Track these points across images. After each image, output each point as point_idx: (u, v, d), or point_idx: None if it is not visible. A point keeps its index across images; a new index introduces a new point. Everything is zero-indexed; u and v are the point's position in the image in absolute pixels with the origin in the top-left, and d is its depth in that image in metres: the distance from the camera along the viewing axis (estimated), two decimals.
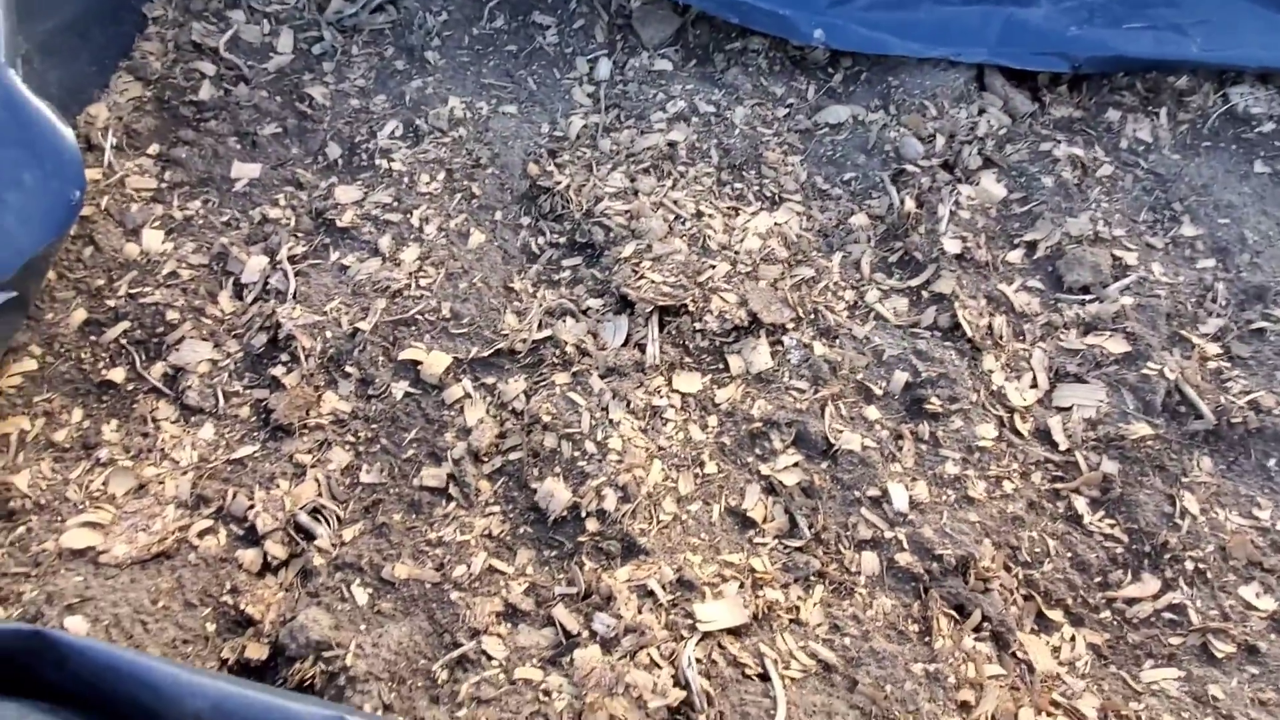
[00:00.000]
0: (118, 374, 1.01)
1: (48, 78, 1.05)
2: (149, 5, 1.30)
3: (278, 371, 0.99)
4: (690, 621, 0.78)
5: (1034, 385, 0.97)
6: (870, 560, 0.86)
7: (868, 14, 1.19)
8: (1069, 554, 0.88)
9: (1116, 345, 0.97)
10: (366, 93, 1.24)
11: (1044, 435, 0.94)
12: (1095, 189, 1.10)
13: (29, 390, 1.00)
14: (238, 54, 1.27)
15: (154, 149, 1.18)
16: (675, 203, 1.08)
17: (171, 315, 1.03)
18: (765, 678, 0.76)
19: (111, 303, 1.05)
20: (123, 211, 1.11)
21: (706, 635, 0.78)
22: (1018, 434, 0.94)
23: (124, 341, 1.03)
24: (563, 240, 1.08)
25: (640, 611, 0.79)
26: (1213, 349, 0.98)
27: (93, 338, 1.03)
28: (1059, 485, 0.92)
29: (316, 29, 1.30)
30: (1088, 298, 1.02)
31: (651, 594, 0.80)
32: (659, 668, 0.75)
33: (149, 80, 1.24)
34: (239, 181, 1.16)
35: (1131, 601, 0.86)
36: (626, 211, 1.07)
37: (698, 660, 0.76)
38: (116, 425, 0.99)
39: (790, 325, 1.00)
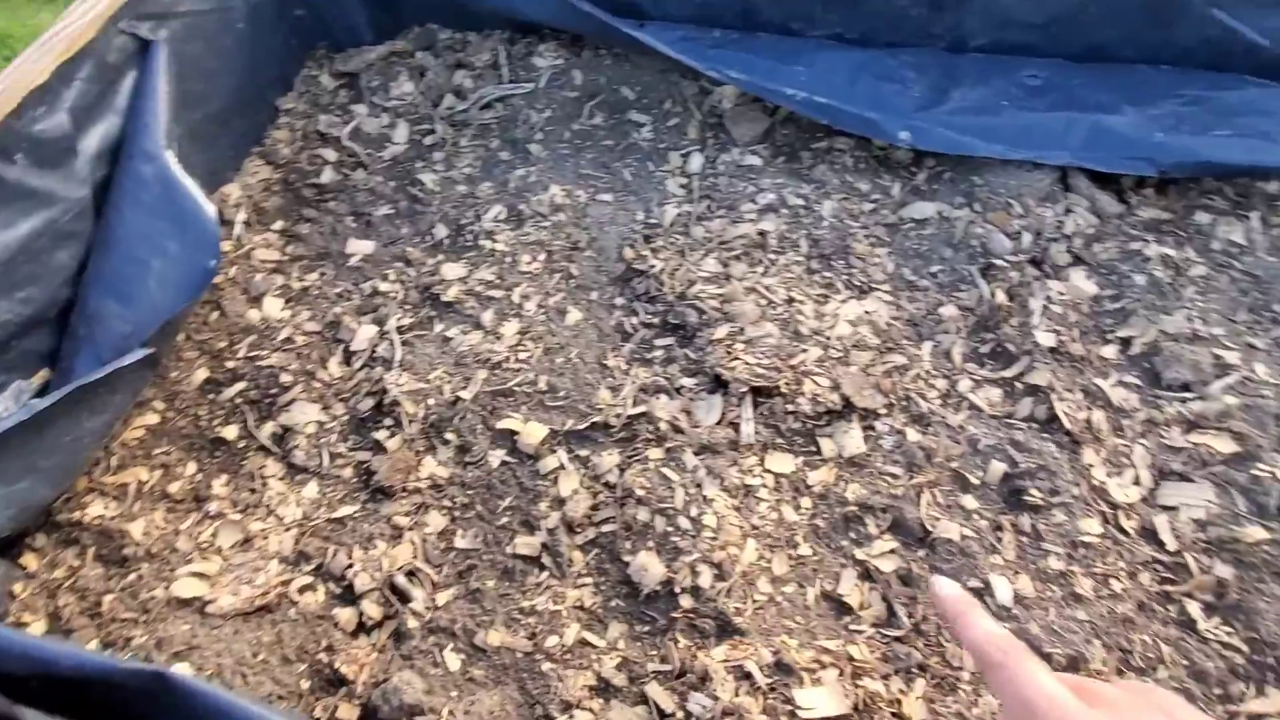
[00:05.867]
0: (230, 431, 1.06)
1: (192, 160, 1.15)
2: (282, 99, 1.43)
3: (381, 435, 1.03)
4: (790, 707, 0.76)
5: (1136, 482, 0.95)
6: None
7: (952, 118, 1.24)
8: (1185, 661, 0.84)
9: (1224, 445, 0.95)
10: (473, 180, 1.32)
11: (1150, 534, 0.91)
12: (1189, 288, 1.10)
13: (149, 443, 1.06)
14: (358, 143, 1.38)
15: (278, 225, 1.28)
16: (767, 288, 1.12)
17: (285, 378, 1.09)
18: None
19: (231, 364, 1.11)
20: (248, 280, 1.20)
21: None
22: (1123, 531, 0.91)
23: (239, 401, 1.08)
24: (656, 321, 1.12)
25: (738, 694, 0.78)
26: None
27: (211, 396, 1.09)
28: (1170, 588, 0.88)
29: (430, 122, 1.41)
30: (1189, 395, 1.00)
31: (749, 676, 0.79)
32: None
33: (277, 164, 1.35)
34: (353, 257, 1.24)
35: (1256, 718, 0.81)
36: (719, 295, 1.11)
37: None
38: (227, 480, 1.03)
39: (883, 410, 1.00)
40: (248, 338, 1.14)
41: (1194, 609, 0.87)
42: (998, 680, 0.47)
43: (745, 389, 1.00)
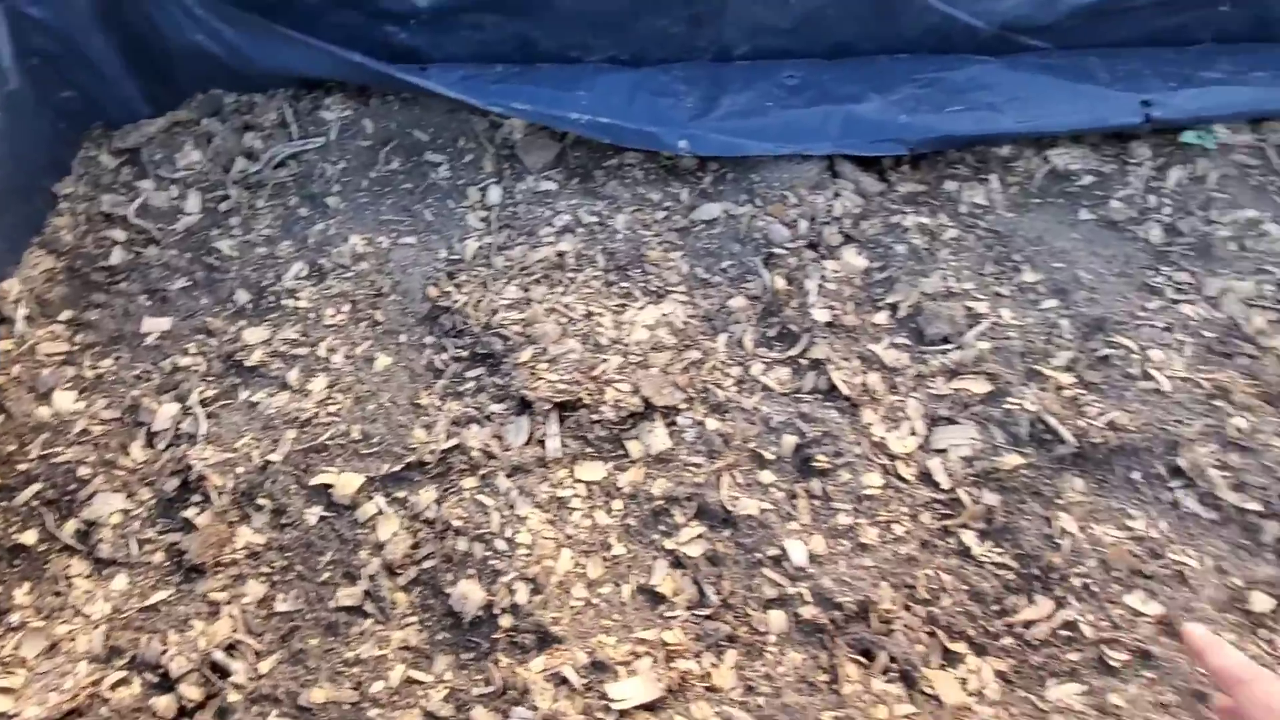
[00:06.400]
0: (29, 536, 1.01)
1: None
2: (59, 185, 1.37)
3: (190, 513, 1.01)
4: (604, 703, 0.80)
5: (913, 433, 1.04)
6: (777, 618, 0.89)
7: (724, 123, 1.33)
8: (965, 586, 0.93)
9: (979, 386, 1.06)
10: (272, 240, 1.31)
11: (927, 478, 1.00)
12: (943, 250, 1.21)
13: None
14: (147, 219, 1.34)
15: (65, 315, 1.23)
16: (566, 306, 1.16)
17: (83, 471, 1.05)
18: None
19: (23, 466, 1.06)
20: (34, 377, 1.14)
21: (624, 715, 0.80)
22: (902, 479, 1.00)
23: (35, 503, 1.04)
24: (465, 354, 1.14)
25: (556, 700, 0.81)
26: (1066, 379, 1.06)
27: (4, 503, 1.04)
28: (947, 523, 0.97)
29: (223, 188, 1.39)
30: (949, 346, 1.11)
31: (566, 681, 0.82)
32: None
33: (60, 252, 1.30)
34: (149, 336, 1.20)
35: (1029, 624, 0.90)
36: (522, 319, 1.15)
37: None
38: (29, 588, 0.98)
39: (683, 405, 1.06)
40: (39, 436, 1.09)
41: (969, 538, 0.96)
42: (1246, 694, 0.55)
43: (549, 406, 1.04)
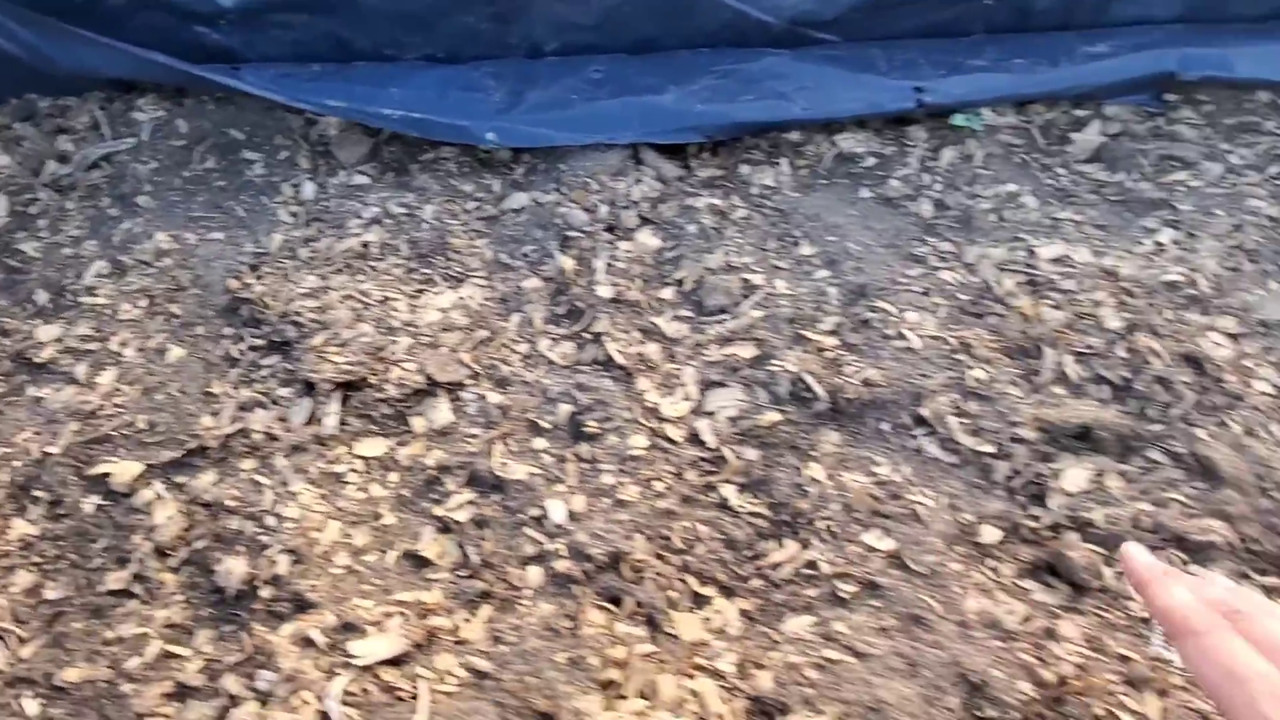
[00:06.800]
0: None
1: None
2: None
3: None
4: (345, 659, 0.83)
5: (687, 398, 1.10)
6: (535, 573, 0.93)
7: (530, 115, 1.38)
8: (720, 535, 0.98)
9: (747, 351, 1.12)
10: (79, 240, 1.31)
11: (695, 438, 1.06)
12: (730, 229, 1.28)
13: None
14: None
15: None
16: (363, 293, 1.19)
17: None
18: (417, 697, 0.81)
19: None
20: None
21: (366, 669, 0.83)
22: (671, 440, 1.05)
23: None
24: (261, 343, 1.16)
25: (301, 660, 0.83)
26: (830, 341, 1.14)
27: None
28: (711, 479, 1.03)
29: (31, 192, 1.38)
30: (725, 316, 1.17)
31: (311, 642, 0.85)
32: (309, 706, 0.79)
33: None
34: None
35: (776, 566, 0.97)
36: (317, 307, 1.17)
37: (349, 693, 0.80)
38: None
39: (468, 381, 1.10)
40: None
41: (729, 491, 1.02)
42: (1195, 649, 0.44)
43: (331, 386, 1.07)
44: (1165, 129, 1.41)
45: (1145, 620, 0.92)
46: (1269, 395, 1.09)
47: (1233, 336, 1.15)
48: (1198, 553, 0.97)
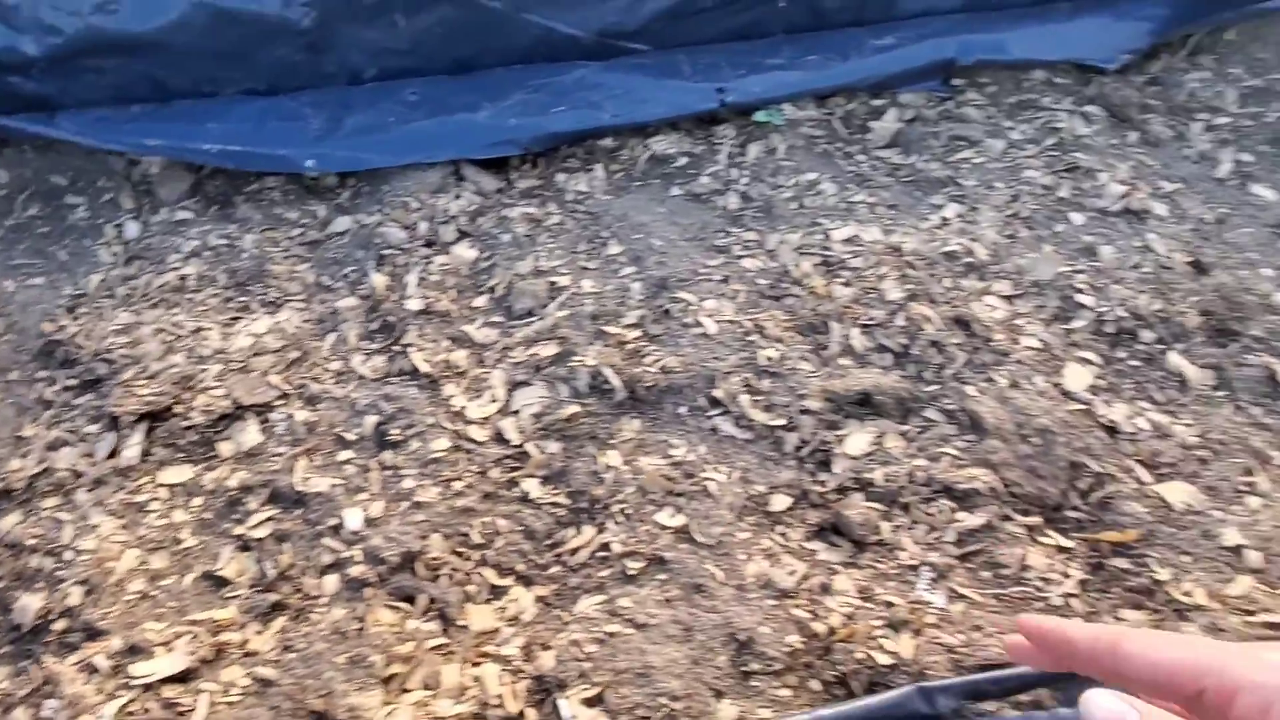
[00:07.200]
0: None
1: None
2: None
3: None
4: (127, 680, 0.84)
5: (494, 400, 1.14)
6: (330, 582, 0.96)
7: (349, 140, 1.42)
8: (519, 527, 1.02)
9: (550, 350, 1.17)
10: None
11: (500, 437, 1.10)
12: (543, 235, 1.33)
13: None
14: None
15: None
16: (175, 325, 1.21)
17: None
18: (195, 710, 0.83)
19: None
20: None
21: (148, 689, 0.85)
22: (474, 441, 1.09)
23: None
24: (75, 383, 1.17)
25: (85, 686, 0.85)
26: (633, 334, 1.19)
27: None
28: (514, 475, 1.07)
29: None
30: (532, 319, 1.22)
31: (94, 668, 0.86)
32: None
33: None
34: None
35: (574, 552, 1.01)
36: (128, 342, 1.19)
37: (129, 713, 0.82)
38: None
39: (278, 402, 1.13)
40: None
41: (531, 485, 1.06)
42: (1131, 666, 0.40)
43: (134, 418, 1.08)
44: (954, 111, 1.51)
45: (913, 567, 0.99)
46: (1034, 349, 1.18)
47: (1007, 298, 1.24)
48: (964, 500, 1.04)
